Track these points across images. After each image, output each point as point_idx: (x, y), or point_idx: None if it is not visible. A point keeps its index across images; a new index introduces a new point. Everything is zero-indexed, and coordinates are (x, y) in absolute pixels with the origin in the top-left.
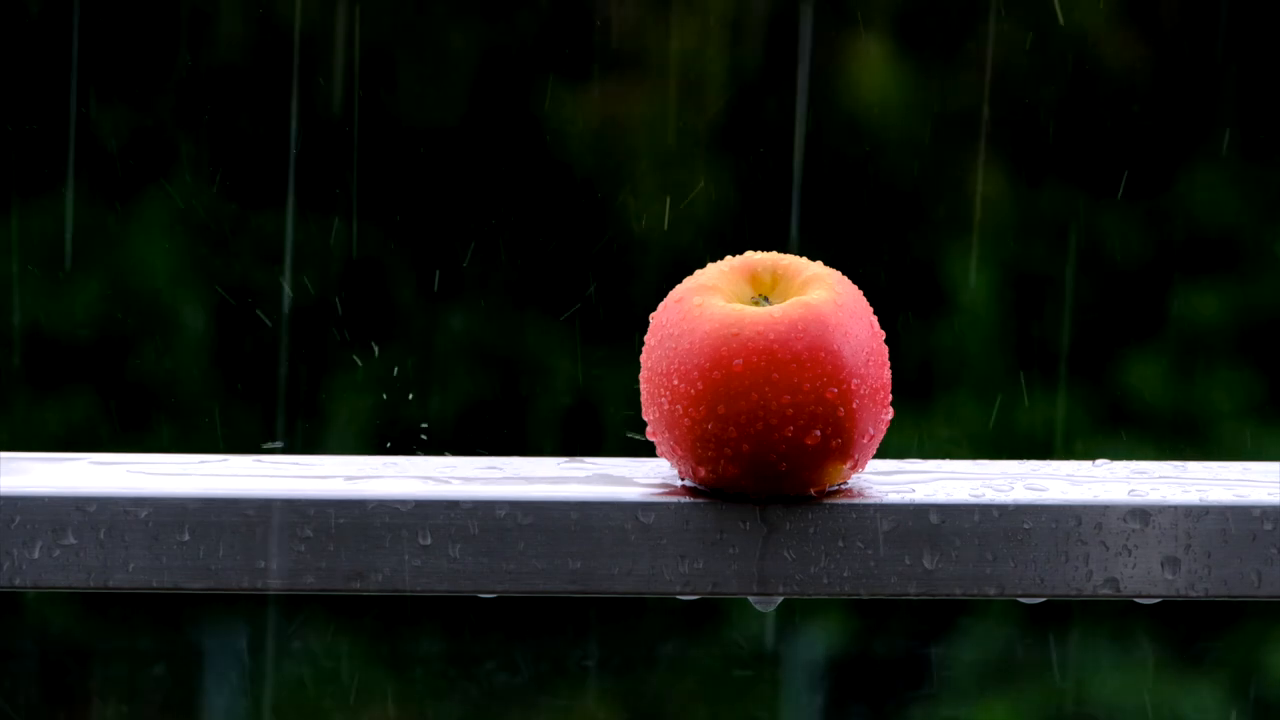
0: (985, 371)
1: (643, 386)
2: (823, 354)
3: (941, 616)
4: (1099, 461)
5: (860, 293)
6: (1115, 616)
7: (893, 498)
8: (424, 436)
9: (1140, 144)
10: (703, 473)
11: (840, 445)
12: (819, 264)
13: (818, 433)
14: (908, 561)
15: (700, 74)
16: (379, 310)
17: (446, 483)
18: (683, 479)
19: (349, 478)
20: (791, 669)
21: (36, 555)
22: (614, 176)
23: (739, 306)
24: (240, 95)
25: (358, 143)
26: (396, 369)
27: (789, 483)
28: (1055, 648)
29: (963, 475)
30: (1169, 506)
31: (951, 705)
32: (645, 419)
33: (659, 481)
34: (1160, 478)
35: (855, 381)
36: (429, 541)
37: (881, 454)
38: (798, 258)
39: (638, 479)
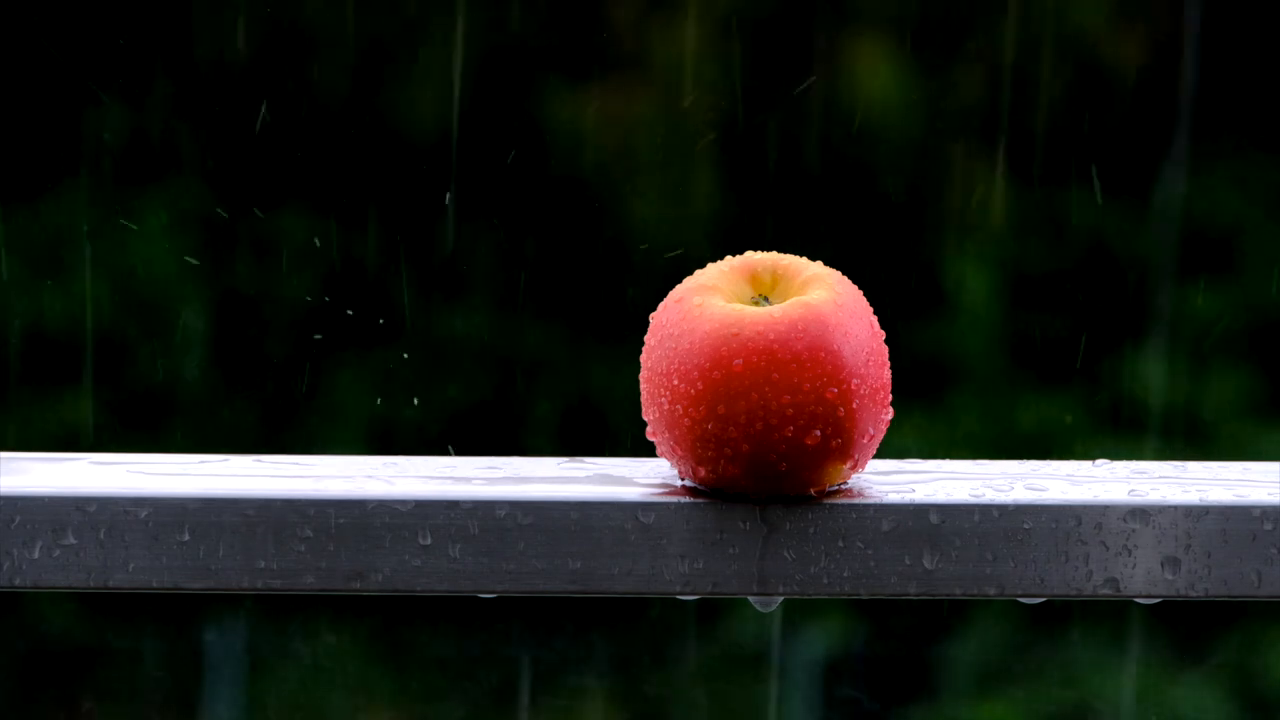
0: (985, 371)
1: (643, 386)
2: (823, 354)
3: (941, 616)
4: (1099, 461)
5: (860, 293)
6: (1115, 616)
7: (893, 498)
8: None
9: (1140, 144)
10: (703, 473)
11: (840, 445)
12: (819, 264)
13: (818, 433)
14: (908, 561)
15: (700, 74)
16: (379, 310)
17: (446, 483)
18: (683, 479)
19: (349, 478)
20: (791, 669)
21: (36, 555)
22: (614, 176)
23: (739, 306)
24: (241, 94)
25: (358, 142)
26: (396, 369)
27: (789, 483)
28: (1055, 648)
29: (963, 475)
30: (1169, 506)
31: (951, 705)
32: (645, 419)
33: (659, 481)
34: (1160, 478)
35: (855, 381)
36: (429, 541)
37: (881, 454)
38: (798, 258)
39: (638, 479)
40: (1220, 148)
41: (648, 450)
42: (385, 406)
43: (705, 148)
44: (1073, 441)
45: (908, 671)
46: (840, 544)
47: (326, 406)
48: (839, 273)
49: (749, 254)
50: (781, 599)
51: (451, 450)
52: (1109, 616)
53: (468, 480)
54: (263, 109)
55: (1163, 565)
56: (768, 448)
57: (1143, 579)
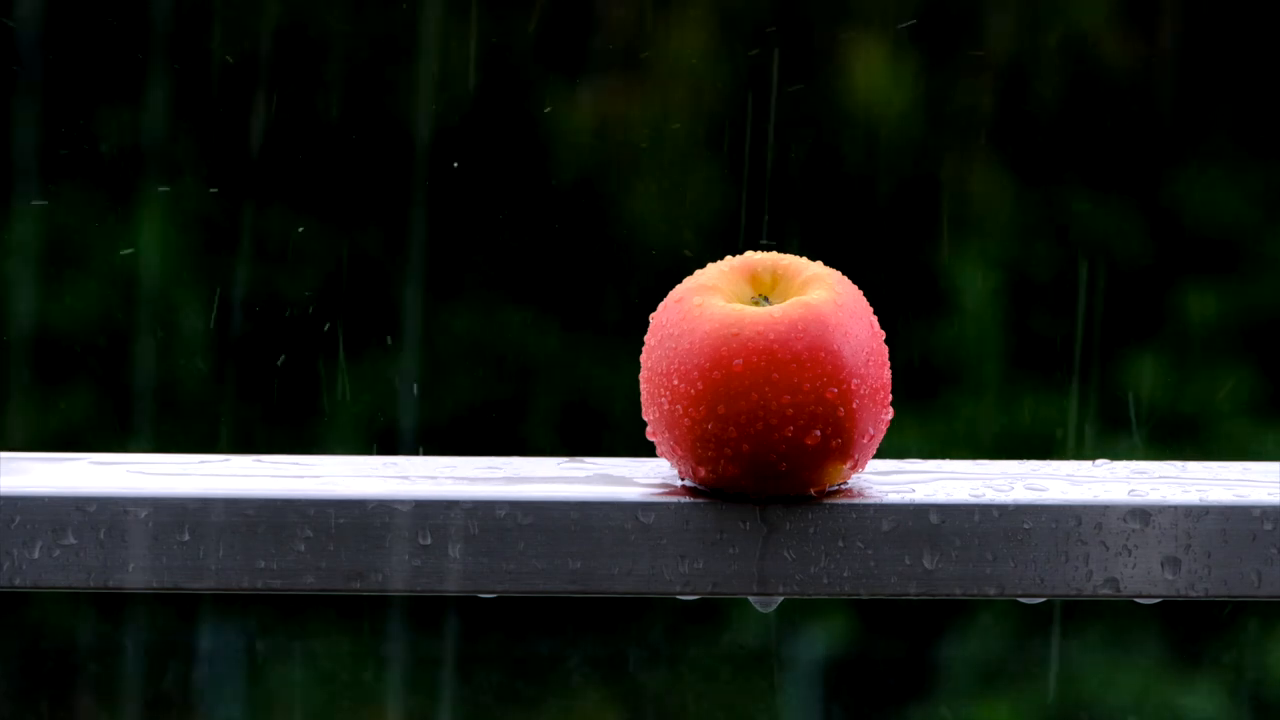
0: (985, 371)
1: (643, 386)
2: (823, 354)
3: (941, 616)
4: (1099, 461)
5: (860, 293)
6: (1115, 616)
7: (893, 498)
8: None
9: (1140, 144)
10: (703, 473)
11: (840, 445)
12: (819, 264)
13: (818, 433)
14: (908, 561)
15: (700, 74)
16: (379, 310)
17: (446, 483)
18: (683, 479)
19: (349, 478)
20: (791, 669)
21: (36, 555)
22: (613, 176)
23: (739, 306)
24: (241, 95)
25: (358, 142)
26: (396, 369)
27: (789, 483)
28: (1055, 648)
29: (963, 475)
30: (1169, 506)
31: (951, 705)
32: (645, 419)
33: (659, 481)
34: (1160, 478)
35: (855, 381)
36: (429, 541)
37: (881, 454)
38: (798, 258)
39: (638, 479)
40: (1220, 148)
41: (648, 450)
42: (385, 406)
43: (705, 148)
44: (1072, 441)
45: (908, 671)
46: (840, 544)
47: (327, 406)
48: (839, 273)
49: (749, 254)
50: (781, 599)
51: (451, 451)
52: (1109, 616)
53: (468, 480)
54: (264, 109)
55: (1163, 565)
56: (768, 448)
57: (1143, 579)
